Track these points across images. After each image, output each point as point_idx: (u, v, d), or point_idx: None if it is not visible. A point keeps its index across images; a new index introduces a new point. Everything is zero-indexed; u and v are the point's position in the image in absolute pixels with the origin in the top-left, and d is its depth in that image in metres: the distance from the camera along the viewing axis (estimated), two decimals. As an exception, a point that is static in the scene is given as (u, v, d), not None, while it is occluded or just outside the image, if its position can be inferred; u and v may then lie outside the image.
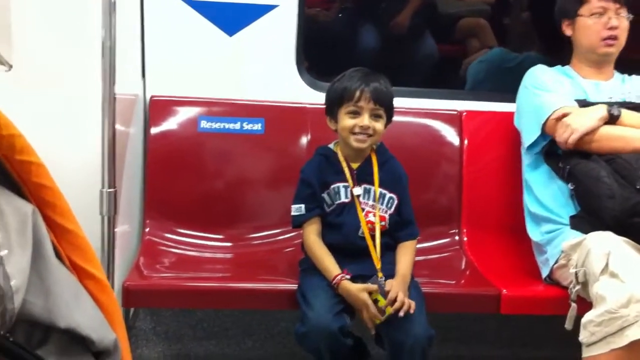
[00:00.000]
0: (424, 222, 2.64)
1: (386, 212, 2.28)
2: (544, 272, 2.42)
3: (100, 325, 1.08)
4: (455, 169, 2.79)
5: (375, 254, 2.22)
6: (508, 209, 2.71)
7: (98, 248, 2.05)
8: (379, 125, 2.24)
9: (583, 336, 2.01)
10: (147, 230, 2.59)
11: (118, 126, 2.10)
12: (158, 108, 2.71)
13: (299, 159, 2.61)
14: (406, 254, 2.27)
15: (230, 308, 2.67)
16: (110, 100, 2.04)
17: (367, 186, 2.28)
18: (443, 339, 2.84)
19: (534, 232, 2.52)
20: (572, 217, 2.39)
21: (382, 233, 2.25)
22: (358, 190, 2.27)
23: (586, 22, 2.52)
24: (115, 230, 2.12)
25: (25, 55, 2.34)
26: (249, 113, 2.73)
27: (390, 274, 2.19)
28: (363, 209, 2.26)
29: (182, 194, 2.66)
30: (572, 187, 2.38)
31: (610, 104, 2.41)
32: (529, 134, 2.51)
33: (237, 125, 2.71)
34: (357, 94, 2.21)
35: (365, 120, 2.22)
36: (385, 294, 2.11)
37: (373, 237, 2.24)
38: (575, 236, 2.29)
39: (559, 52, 2.80)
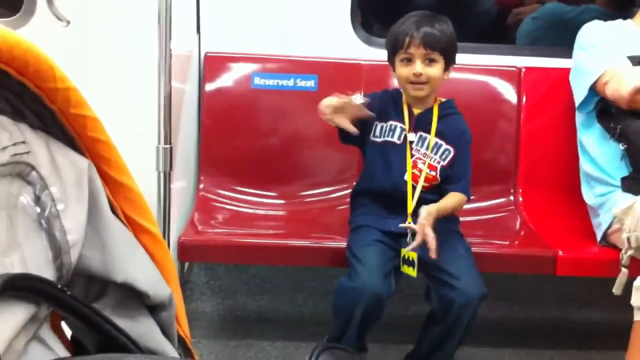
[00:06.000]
0: (480, 181, 2.61)
1: (438, 162, 2.21)
2: (599, 235, 2.39)
3: (156, 280, 1.09)
4: (513, 127, 2.74)
5: (412, 201, 2.17)
6: (565, 169, 2.66)
7: (154, 203, 2.08)
8: (434, 71, 2.16)
9: (635, 299, 1.97)
10: (201, 186, 2.62)
11: (174, 82, 2.11)
12: (212, 64, 2.71)
13: (352, 116, 2.59)
14: (447, 198, 2.19)
15: (282, 264, 2.69)
16: (166, 56, 2.05)
17: (424, 134, 2.22)
18: (497, 299, 2.83)
19: (588, 195, 2.48)
20: (623, 179, 2.34)
21: (431, 187, 2.20)
22: (412, 137, 2.21)
23: None
24: (171, 186, 2.14)
25: (82, 12, 2.37)
26: (303, 69, 2.71)
27: None
28: (413, 155, 2.21)
29: (236, 151, 2.68)
30: (623, 147, 2.31)
31: None
32: (578, 94, 2.46)
33: (291, 82, 2.70)
34: (407, 40, 2.14)
35: (417, 67, 2.14)
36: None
37: (415, 188, 2.18)
38: (627, 199, 2.23)
39: (621, 5, 2.69)
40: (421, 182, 2.19)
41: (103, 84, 2.23)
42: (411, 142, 2.21)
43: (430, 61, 2.16)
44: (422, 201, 2.18)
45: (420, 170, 2.20)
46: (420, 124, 2.23)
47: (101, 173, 1.06)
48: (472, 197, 2.31)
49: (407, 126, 2.22)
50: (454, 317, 2.11)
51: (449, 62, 2.20)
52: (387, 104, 2.25)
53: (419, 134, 2.22)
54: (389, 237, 2.18)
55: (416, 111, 2.24)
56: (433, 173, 2.21)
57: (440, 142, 2.23)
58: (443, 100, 2.29)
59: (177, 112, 2.28)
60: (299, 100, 2.70)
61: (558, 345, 2.66)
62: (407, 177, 2.20)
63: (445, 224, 2.19)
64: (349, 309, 2.10)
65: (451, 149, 2.23)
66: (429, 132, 2.23)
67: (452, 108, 2.29)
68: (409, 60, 2.17)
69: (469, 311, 2.10)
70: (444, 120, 2.24)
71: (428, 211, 2.09)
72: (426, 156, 2.21)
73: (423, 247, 2.08)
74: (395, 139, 2.22)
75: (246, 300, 2.83)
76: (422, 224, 2.06)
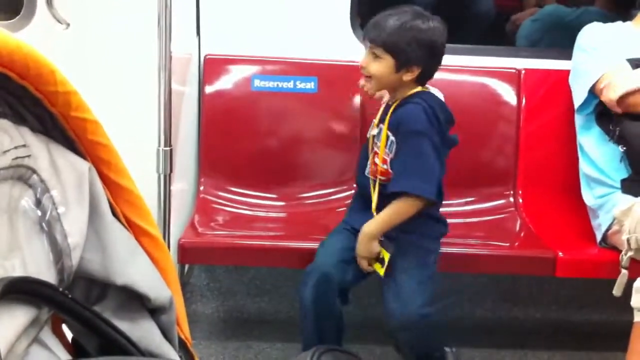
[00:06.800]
0: (480, 182, 2.62)
1: (388, 155, 2.11)
2: (598, 237, 2.38)
3: (156, 282, 1.09)
4: (513, 129, 2.73)
5: (374, 196, 2.12)
6: (565, 171, 2.65)
7: (154, 206, 2.08)
8: (375, 67, 2.05)
9: (635, 301, 1.97)
10: (201, 188, 2.62)
11: (174, 85, 2.11)
12: (212, 67, 2.71)
13: (351, 117, 2.60)
14: (384, 210, 2.07)
15: (282, 266, 2.69)
16: (166, 58, 2.05)
17: (382, 126, 2.15)
18: (497, 301, 2.83)
19: (588, 196, 2.48)
20: (623, 181, 2.34)
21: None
22: (374, 131, 2.17)
23: None
24: (171, 188, 2.14)
25: (82, 14, 2.37)
26: (302, 71, 2.71)
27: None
28: (372, 149, 2.17)
29: (236, 153, 2.68)
30: (623, 149, 2.32)
31: None
32: (578, 96, 2.46)
33: (291, 84, 2.70)
34: (365, 31, 2.10)
35: (363, 58, 2.07)
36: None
37: (374, 182, 2.14)
38: (627, 201, 2.23)
39: (622, 7, 2.70)
40: (378, 173, 2.12)
41: (103, 87, 2.23)
42: (373, 137, 2.16)
43: (375, 57, 2.06)
44: (383, 196, 2.10)
45: (376, 164, 2.12)
46: (383, 115, 2.15)
47: (102, 176, 1.06)
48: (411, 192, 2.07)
49: (376, 120, 2.18)
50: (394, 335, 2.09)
51: (402, 61, 2.03)
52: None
53: (380, 126, 2.15)
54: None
55: (381, 108, 2.19)
56: (385, 166, 2.11)
57: (389, 134, 2.12)
58: (419, 90, 2.12)
59: (177, 115, 2.28)
60: (299, 102, 2.70)
61: (558, 347, 2.66)
62: (367, 171, 2.17)
63: (406, 238, 2.11)
64: (300, 294, 2.08)
65: (394, 140, 2.10)
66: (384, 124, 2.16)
67: (415, 98, 2.10)
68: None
69: (406, 333, 2.05)
70: (397, 111, 2.12)
71: (363, 234, 2.06)
72: (379, 149, 2.12)
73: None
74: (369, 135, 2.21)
75: (246, 302, 2.83)
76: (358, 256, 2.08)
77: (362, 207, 2.20)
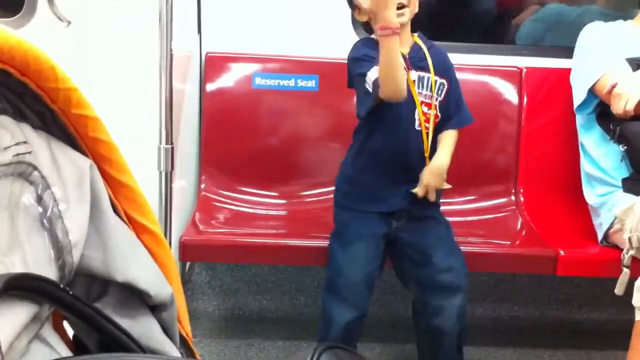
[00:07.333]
0: (481, 181, 2.61)
1: (437, 99, 2.14)
2: (600, 235, 2.38)
3: (157, 279, 1.09)
4: (514, 127, 2.73)
5: (427, 145, 2.13)
6: (567, 169, 2.65)
7: (155, 203, 2.08)
8: None
9: (636, 299, 1.97)
10: (202, 186, 2.62)
11: (175, 83, 2.11)
12: (213, 64, 2.71)
13: (353, 116, 2.58)
14: (444, 144, 2.15)
15: (283, 264, 2.69)
16: (167, 57, 2.05)
17: (422, 73, 2.13)
18: (497, 299, 2.83)
19: (589, 195, 2.48)
20: (624, 180, 2.34)
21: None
22: (414, 75, 2.11)
23: None
24: (172, 185, 2.15)
25: (83, 12, 2.37)
26: (303, 69, 2.71)
27: None
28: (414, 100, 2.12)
29: (237, 151, 2.68)
30: (623, 149, 2.31)
31: None
32: (577, 96, 2.45)
33: (292, 82, 2.70)
34: None
35: None
36: None
37: (427, 133, 2.13)
38: (628, 200, 2.23)
39: (624, 5, 2.69)
40: (432, 124, 2.13)
41: (104, 84, 2.23)
42: (413, 82, 2.11)
43: None
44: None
45: (426, 114, 2.12)
46: (413, 62, 2.12)
47: (102, 173, 1.06)
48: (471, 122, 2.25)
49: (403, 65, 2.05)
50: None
51: None
52: (374, 53, 2.04)
53: (417, 73, 2.12)
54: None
55: (403, 51, 2.09)
56: (434, 112, 2.14)
57: (436, 78, 2.15)
58: (416, 34, 2.18)
59: (178, 112, 2.28)
60: (300, 100, 2.70)
61: (558, 345, 2.66)
62: (422, 125, 2.12)
63: (425, 210, 2.18)
64: (328, 309, 2.14)
65: (445, 82, 2.16)
66: (426, 69, 2.13)
67: (427, 39, 2.20)
68: None
69: (461, 294, 2.11)
70: (431, 53, 2.15)
71: (430, 180, 2.11)
72: (430, 97, 2.12)
73: (410, 232, 2.13)
74: None
75: (247, 299, 2.83)
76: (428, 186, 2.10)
77: (383, 184, 2.16)
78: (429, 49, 2.16)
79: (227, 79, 2.72)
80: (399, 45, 1.95)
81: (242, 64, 2.73)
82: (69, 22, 2.33)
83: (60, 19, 2.32)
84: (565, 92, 2.63)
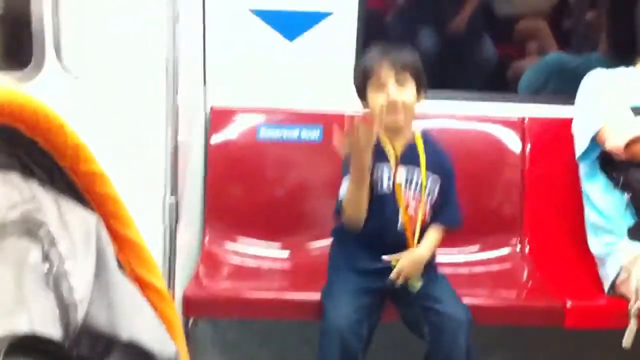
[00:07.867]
0: (485, 230, 2.60)
1: (427, 202, 2.16)
2: (606, 285, 2.36)
3: (162, 338, 1.08)
4: (517, 176, 2.73)
5: (413, 242, 2.15)
6: (572, 217, 2.64)
7: (160, 257, 2.07)
8: (407, 95, 2.09)
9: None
10: (207, 239, 2.61)
11: (180, 136, 2.12)
12: (218, 117, 2.73)
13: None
14: (428, 238, 2.16)
15: (288, 318, 2.67)
16: (173, 110, 2.07)
17: (412, 167, 2.15)
18: (505, 351, 2.78)
19: (594, 245, 2.46)
20: (630, 229, 2.33)
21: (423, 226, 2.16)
22: (401, 174, 2.13)
23: None
24: (177, 239, 2.14)
25: (90, 66, 2.40)
26: (307, 121, 2.73)
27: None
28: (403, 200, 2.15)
29: (242, 203, 2.68)
30: (628, 196, 2.31)
31: None
32: (579, 145, 2.45)
33: (296, 133, 2.71)
34: (377, 64, 2.10)
35: (390, 89, 2.06)
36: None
37: (413, 232, 2.15)
38: (634, 248, 2.22)
39: (625, 52, 2.70)
40: (418, 225, 2.15)
41: (110, 136, 2.24)
42: (399, 185, 2.14)
43: (402, 85, 2.10)
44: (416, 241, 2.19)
45: (411, 216, 2.15)
46: (406, 159, 2.16)
47: (108, 228, 1.06)
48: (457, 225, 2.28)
49: (392, 164, 2.13)
50: (447, 344, 2.09)
51: (420, 85, 2.13)
52: None
53: (406, 167, 2.15)
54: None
55: (398, 147, 2.16)
56: (423, 210, 2.16)
57: (428, 173, 2.18)
58: (419, 132, 2.22)
59: (183, 165, 2.29)
60: (304, 152, 2.71)
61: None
62: (405, 227, 2.15)
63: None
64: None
65: (438, 177, 2.18)
66: (417, 164, 2.16)
67: (433, 138, 2.24)
68: (383, 87, 2.09)
69: (461, 335, 2.07)
70: (428, 150, 2.19)
71: (416, 257, 2.13)
72: (416, 198, 2.15)
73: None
74: (385, 189, 2.15)
75: (252, 353, 2.79)
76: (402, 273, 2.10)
77: (368, 248, 2.17)
78: (427, 147, 2.17)
79: (232, 131, 2.74)
80: (367, 185, 2.04)
81: (247, 116, 2.75)
82: (76, 77, 2.35)
83: (68, 72, 2.35)
84: (568, 140, 2.63)
